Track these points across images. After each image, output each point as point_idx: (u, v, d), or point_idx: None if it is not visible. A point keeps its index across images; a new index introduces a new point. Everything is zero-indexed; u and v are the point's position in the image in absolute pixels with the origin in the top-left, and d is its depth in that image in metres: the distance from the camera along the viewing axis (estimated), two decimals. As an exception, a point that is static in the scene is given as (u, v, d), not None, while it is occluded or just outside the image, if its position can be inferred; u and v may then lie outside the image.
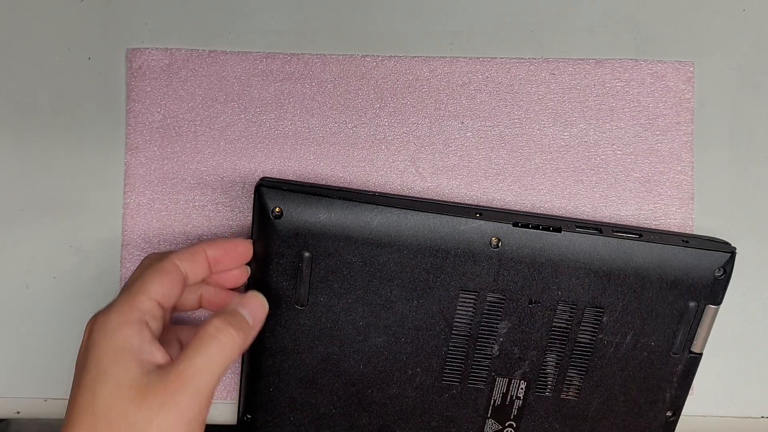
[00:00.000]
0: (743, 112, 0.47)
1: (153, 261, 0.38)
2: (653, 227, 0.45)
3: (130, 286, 0.36)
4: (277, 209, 0.39)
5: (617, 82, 0.46)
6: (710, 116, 0.47)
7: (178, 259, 0.38)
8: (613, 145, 0.46)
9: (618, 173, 0.46)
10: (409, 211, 0.39)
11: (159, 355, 0.34)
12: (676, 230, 0.46)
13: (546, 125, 0.46)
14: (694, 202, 0.46)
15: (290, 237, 0.39)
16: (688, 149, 0.46)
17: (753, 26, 0.47)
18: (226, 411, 0.47)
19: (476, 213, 0.41)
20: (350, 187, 0.43)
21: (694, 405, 0.46)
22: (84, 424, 0.33)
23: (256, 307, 0.37)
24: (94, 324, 0.35)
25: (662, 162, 0.46)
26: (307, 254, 0.39)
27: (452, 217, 0.39)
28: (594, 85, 0.46)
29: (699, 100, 0.47)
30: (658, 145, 0.46)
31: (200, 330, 0.35)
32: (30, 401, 0.47)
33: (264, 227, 0.39)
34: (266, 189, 0.39)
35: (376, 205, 0.39)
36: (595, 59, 0.46)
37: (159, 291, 0.36)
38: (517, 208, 0.46)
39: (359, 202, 0.39)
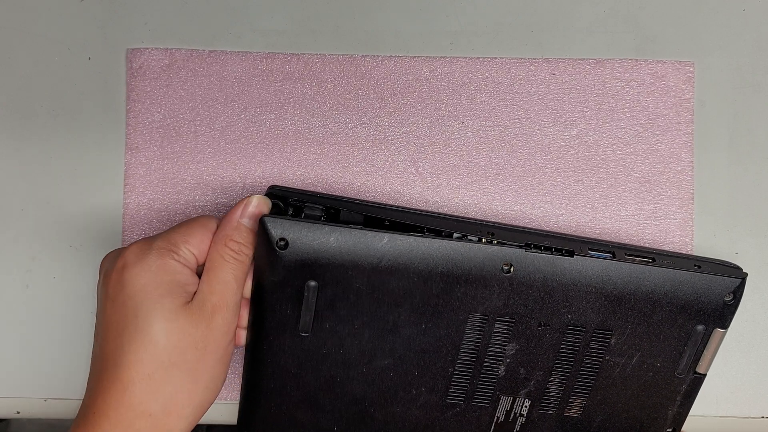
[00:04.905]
0: (743, 112, 0.47)
1: (191, 218, 0.40)
2: (664, 249, 0.45)
3: (169, 234, 0.38)
4: (281, 240, 0.37)
5: (617, 82, 0.46)
6: (710, 116, 0.47)
7: (215, 219, 0.39)
8: (613, 145, 0.46)
9: (618, 173, 0.46)
10: (419, 238, 0.38)
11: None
12: (679, 234, 0.46)
13: (546, 125, 0.46)
14: (694, 202, 0.46)
15: (296, 267, 0.38)
16: (688, 149, 0.46)
17: (753, 26, 0.47)
18: (226, 411, 0.47)
19: (489, 233, 0.40)
20: (360, 198, 0.42)
21: (694, 405, 0.46)
22: (149, 351, 0.36)
23: (256, 214, 0.39)
24: (127, 258, 0.37)
25: (662, 162, 0.46)
26: (312, 283, 0.38)
27: (464, 243, 0.39)
28: (594, 85, 0.46)
29: (699, 100, 0.47)
30: (658, 145, 0.46)
31: (215, 254, 0.38)
32: (30, 401, 0.47)
33: (268, 258, 0.38)
34: (269, 219, 0.37)
35: (386, 232, 0.38)
36: (595, 59, 0.46)
37: (198, 246, 0.38)
38: (518, 207, 0.46)
39: (368, 229, 0.38)
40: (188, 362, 0.36)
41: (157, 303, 0.36)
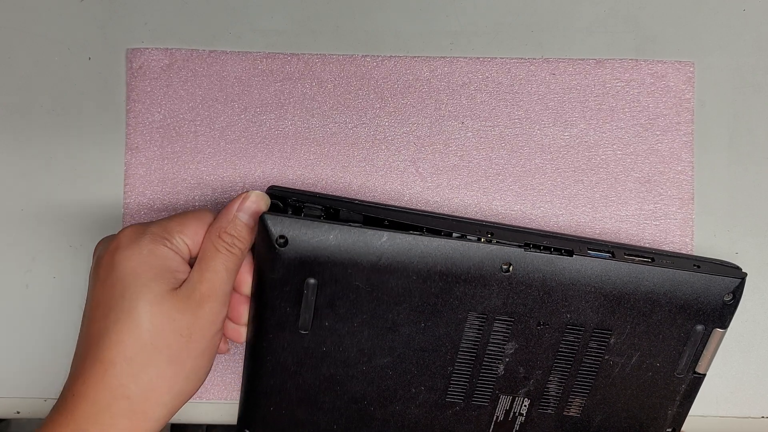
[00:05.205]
0: (743, 112, 0.47)
1: (191, 209, 0.40)
2: (664, 249, 0.45)
3: (165, 222, 0.38)
4: (281, 237, 0.37)
5: (617, 82, 0.46)
6: (710, 116, 0.47)
7: (213, 214, 0.39)
8: (613, 145, 0.46)
9: (618, 173, 0.46)
10: (419, 236, 0.38)
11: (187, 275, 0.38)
12: (679, 234, 0.46)
13: (546, 125, 0.46)
14: (694, 202, 0.46)
15: (295, 265, 0.38)
16: (688, 149, 0.46)
17: (753, 26, 0.47)
18: (225, 411, 0.47)
19: (488, 232, 0.40)
20: (360, 198, 0.42)
21: (694, 405, 0.46)
22: (132, 333, 0.35)
23: (253, 209, 0.39)
24: (120, 241, 0.37)
25: (662, 162, 0.46)
26: (312, 281, 0.38)
27: (463, 242, 0.39)
28: (594, 85, 0.46)
29: (699, 100, 0.47)
30: (658, 145, 0.46)
31: (208, 244, 0.38)
32: (30, 401, 0.47)
33: (268, 255, 0.38)
34: (269, 216, 0.37)
35: (386, 230, 0.38)
36: (595, 59, 0.46)
37: (192, 237, 0.38)
38: (518, 207, 0.46)
39: (368, 228, 0.38)
40: (171, 348, 0.36)
41: (145, 286, 0.36)
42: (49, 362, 0.47)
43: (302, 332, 0.40)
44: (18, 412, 0.47)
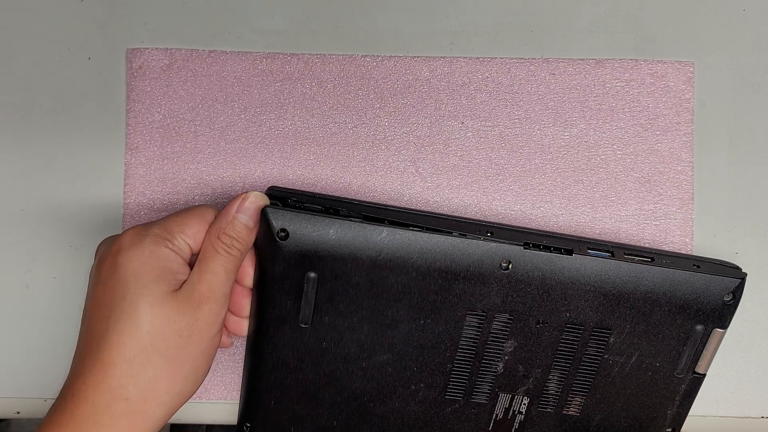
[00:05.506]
0: (743, 112, 0.47)
1: (191, 206, 0.40)
2: (664, 249, 0.45)
3: (167, 222, 0.38)
4: (282, 231, 0.38)
5: (617, 82, 0.46)
6: (710, 116, 0.47)
7: (215, 210, 0.40)
8: (613, 145, 0.46)
9: (618, 173, 0.46)
10: (419, 233, 0.39)
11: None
12: (679, 234, 0.46)
13: (546, 125, 0.46)
14: (694, 203, 0.46)
15: (296, 258, 0.38)
16: (688, 149, 0.46)
17: (753, 26, 0.47)
18: (225, 411, 0.47)
19: (487, 232, 0.40)
20: (359, 198, 0.42)
21: (694, 405, 0.46)
22: (132, 335, 0.36)
23: (252, 210, 0.39)
24: (122, 243, 0.37)
25: (662, 162, 0.46)
26: (312, 275, 0.39)
27: (463, 239, 0.39)
28: (594, 85, 0.46)
29: (699, 100, 0.47)
30: (658, 145, 0.46)
31: (208, 245, 0.38)
32: (30, 401, 0.47)
33: (269, 248, 0.38)
34: (271, 209, 0.38)
35: (386, 226, 0.38)
36: (595, 59, 0.46)
37: (194, 237, 0.38)
38: (518, 207, 0.46)
39: (368, 223, 0.38)
40: (171, 349, 0.36)
41: (146, 288, 0.36)
42: (49, 362, 0.47)
43: (302, 326, 0.40)
44: (18, 412, 0.47)
